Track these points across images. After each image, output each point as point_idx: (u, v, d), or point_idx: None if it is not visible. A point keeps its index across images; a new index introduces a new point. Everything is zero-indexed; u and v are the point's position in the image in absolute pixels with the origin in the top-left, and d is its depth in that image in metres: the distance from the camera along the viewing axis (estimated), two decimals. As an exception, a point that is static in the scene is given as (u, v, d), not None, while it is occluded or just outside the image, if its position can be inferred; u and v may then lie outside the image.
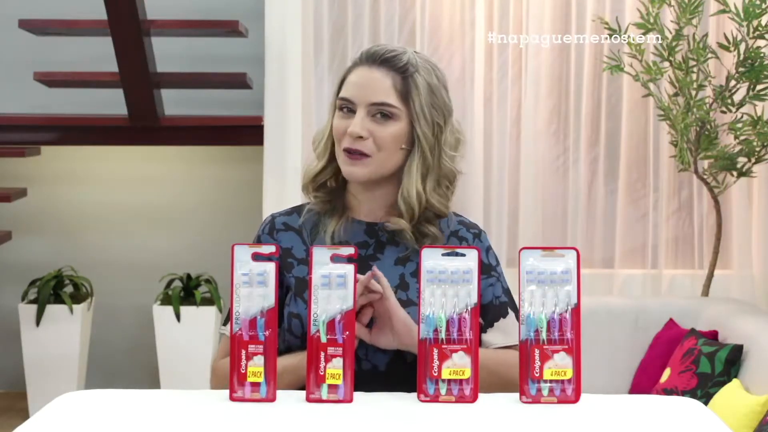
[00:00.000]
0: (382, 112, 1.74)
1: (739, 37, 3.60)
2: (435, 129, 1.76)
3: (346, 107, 1.76)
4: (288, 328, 1.73)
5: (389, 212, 1.80)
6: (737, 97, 3.70)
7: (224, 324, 1.73)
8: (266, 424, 1.39)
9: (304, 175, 1.83)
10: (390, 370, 1.70)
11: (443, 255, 1.51)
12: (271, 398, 1.48)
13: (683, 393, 3.11)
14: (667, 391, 3.19)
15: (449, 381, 1.48)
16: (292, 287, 1.76)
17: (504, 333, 1.78)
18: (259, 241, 1.83)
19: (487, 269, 1.80)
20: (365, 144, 1.73)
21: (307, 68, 4.21)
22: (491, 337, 1.78)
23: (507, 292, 1.83)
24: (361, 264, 1.75)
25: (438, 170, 1.77)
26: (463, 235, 1.83)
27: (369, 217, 1.81)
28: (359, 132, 1.73)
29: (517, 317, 1.79)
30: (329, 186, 1.82)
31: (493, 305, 1.79)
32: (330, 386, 1.48)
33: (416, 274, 1.74)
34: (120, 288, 4.67)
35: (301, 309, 1.73)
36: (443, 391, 1.48)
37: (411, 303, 1.72)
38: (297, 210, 1.86)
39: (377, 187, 1.79)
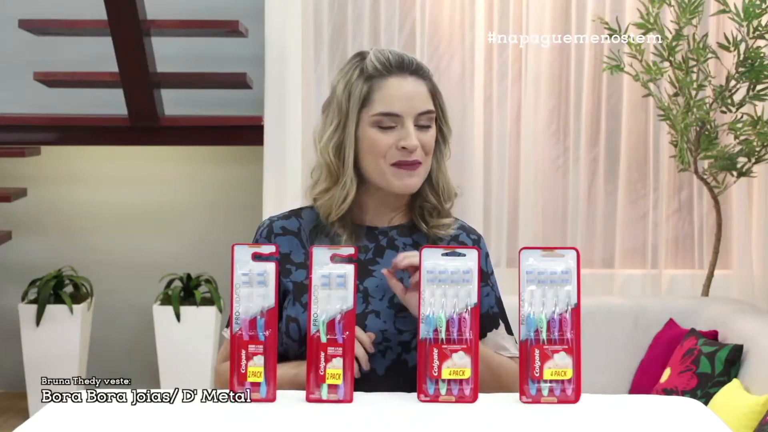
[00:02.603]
0: (422, 122, 1.74)
1: (739, 37, 3.60)
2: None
3: (388, 124, 1.73)
4: (286, 332, 1.72)
5: (394, 213, 1.80)
6: (737, 97, 3.70)
7: (227, 326, 1.72)
8: (266, 424, 1.39)
9: (332, 208, 1.74)
10: (389, 374, 1.69)
11: (443, 255, 1.51)
12: (271, 398, 1.48)
13: (683, 393, 3.11)
14: (667, 391, 3.19)
15: (449, 381, 1.48)
16: (291, 291, 1.74)
17: (495, 345, 1.78)
18: None
19: (485, 277, 1.78)
20: (417, 153, 1.73)
21: (307, 68, 4.21)
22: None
23: (499, 301, 1.82)
24: (360, 268, 1.74)
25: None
26: (463, 240, 1.82)
27: (371, 221, 1.80)
28: (417, 144, 1.72)
29: (507, 328, 1.80)
30: None
31: (488, 315, 1.78)
32: (330, 386, 1.48)
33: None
34: (120, 288, 4.68)
35: (299, 313, 1.71)
36: (443, 391, 1.48)
37: None
38: (295, 214, 1.83)
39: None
